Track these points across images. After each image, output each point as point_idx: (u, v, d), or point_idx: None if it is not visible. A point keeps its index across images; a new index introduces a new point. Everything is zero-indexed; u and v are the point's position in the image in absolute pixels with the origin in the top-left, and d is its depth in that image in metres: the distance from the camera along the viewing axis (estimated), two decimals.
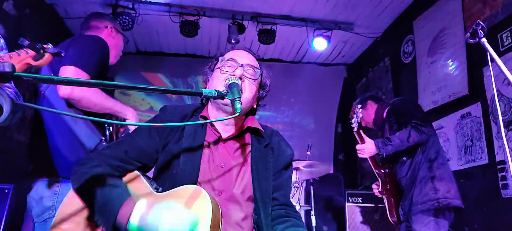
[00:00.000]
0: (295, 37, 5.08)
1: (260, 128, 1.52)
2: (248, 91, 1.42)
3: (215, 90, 1.22)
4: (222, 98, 1.25)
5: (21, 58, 1.28)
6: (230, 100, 1.25)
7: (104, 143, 1.98)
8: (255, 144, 1.48)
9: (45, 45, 1.33)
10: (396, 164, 2.94)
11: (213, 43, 5.29)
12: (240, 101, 1.24)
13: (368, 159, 2.93)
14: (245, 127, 1.49)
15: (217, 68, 1.47)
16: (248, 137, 1.50)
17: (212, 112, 1.48)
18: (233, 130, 1.47)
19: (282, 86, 5.63)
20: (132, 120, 2.09)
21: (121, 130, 2.17)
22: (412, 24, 4.33)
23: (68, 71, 1.87)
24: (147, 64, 5.69)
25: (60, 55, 1.42)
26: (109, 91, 2.15)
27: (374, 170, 3.01)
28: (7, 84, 1.71)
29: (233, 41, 4.49)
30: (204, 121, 1.40)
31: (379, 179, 2.98)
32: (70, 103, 1.95)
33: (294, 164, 3.33)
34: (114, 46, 2.39)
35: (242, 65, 1.44)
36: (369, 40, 5.16)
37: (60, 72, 1.93)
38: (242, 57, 1.49)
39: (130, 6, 4.32)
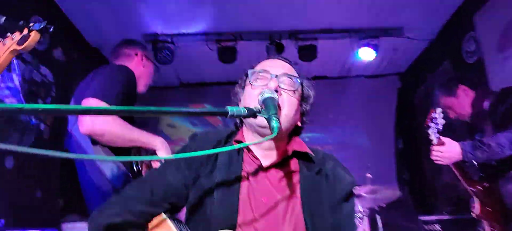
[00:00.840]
0: (339, 50, 4.78)
1: (309, 151, 1.26)
2: (288, 106, 1.19)
3: (245, 107, 1.00)
4: (254, 116, 1.03)
5: (6, 47, 1.09)
6: (265, 118, 1.03)
7: (131, 180, 1.86)
8: (304, 171, 1.23)
9: (30, 22, 1.09)
10: (501, 178, 2.26)
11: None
12: (277, 118, 1.01)
13: (455, 170, 2.27)
14: (290, 151, 1.24)
15: (248, 84, 1.26)
16: (294, 163, 1.25)
17: (248, 136, 1.26)
18: (275, 155, 1.23)
19: (329, 104, 5.30)
20: (162, 150, 1.94)
21: (152, 163, 2.03)
22: (472, 20, 3.83)
23: (89, 104, 1.79)
24: (192, 96, 5.69)
25: (48, 31, 1.17)
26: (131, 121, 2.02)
27: (465, 186, 2.34)
28: None
29: None
30: (236, 146, 1.14)
31: (475, 198, 2.32)
32: (94, 140, 1.86)
33: (356, 190, 2.90)
34: (144, 75, 2.31)
35: (276, 76, 1.21)
36: (423, 43, 4.69)
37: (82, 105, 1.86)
38: (276, 66, 1.27)
39: (169, 39, 4.36)
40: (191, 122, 5.62)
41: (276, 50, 4.36)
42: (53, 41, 3.78)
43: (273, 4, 3.87)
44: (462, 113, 2.54)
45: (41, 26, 1.08)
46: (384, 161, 5.18)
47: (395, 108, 5.43)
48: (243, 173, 1.20)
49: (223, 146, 1.28)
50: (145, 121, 5.24)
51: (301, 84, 1.29)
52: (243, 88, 1.32)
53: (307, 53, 4.41)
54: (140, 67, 2.27)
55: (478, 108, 2.40)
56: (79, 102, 1.85)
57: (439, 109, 2.26)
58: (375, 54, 4.38)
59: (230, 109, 0.97)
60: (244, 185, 1.18)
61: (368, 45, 4.36)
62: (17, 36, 1.06)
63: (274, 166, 1.22)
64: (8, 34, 1.08)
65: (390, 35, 4.38)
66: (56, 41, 3.85)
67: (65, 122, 2.07)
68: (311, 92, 1.35)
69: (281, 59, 1.34)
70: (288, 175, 1.22)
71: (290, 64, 1.34)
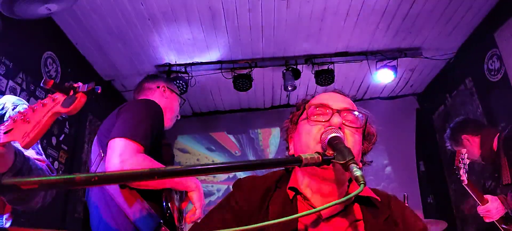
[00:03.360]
0: (355, 73, 4.67)
1: (374, 194, 1.10)
2: (352, 145, 1.04)
3: (317, 152, 0.87)
4: (328, 163, 0.89)
5: (47, 109, 0.97)
6: (341, 164, 0.88)
7: (163, 227, 1.70)
8: (370, 219, 1.05)
9: (75, 84, 0.97)
10: None
11: (267, 93, 5.04)
12: (357, 164, 0.86)
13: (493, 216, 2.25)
14: (353, 196, 1.09)
15: (303, 119, 1.12)
16: (357, 210, 1.08)
17: (303, 180, 1.10)
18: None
19: None
20: (196, 192, 1.77)
21: (184, 205, 1.88)
22: (493, 37, 3.73)
23: (117, 144, 1.64)
24: (204, 125, 5.56)
25: (95, 92, 1.05)
26: (160, 158, 1.88)
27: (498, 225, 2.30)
28: (37, 156, 1.48)
29: (289, 88, 4.20)
30: (310, 211, 0.88)
31: None
32: (122, 184, 1.72)
33: None
34: (168, 108, 2.18)
35: (339, 111, 1.06)
36: (441, 63, 4.58)
37: (109, 147, 1.71)
38: (337, 100, 1.13)
39: (183, 69, 4.27)
40: (207, 147, 5.46)
41: (293, 76, 4.25)
42: (65, 77, 3.71)
43: (288, 29, 3.80)
44: (474, 158, 2.57)
45: (88, 88, 0.96)
46: (406, 185, 4.97)
47: (415, 130, 5.26)
48: (300, 226, 1.04)
49: (273, 193, 1.13)
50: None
51: (366, 120, 1.14)
52: (295, 123, 1.18)
53: (324, 78, 4.30)
54: (163, 99, 2.15)
55: (487, 150, 2.44)
56: (105, 143, 1.71)
57: (464, 150, 2.32)
58: (394, 76, 4.26)
59: (304, 157, 0.83)
60: None
61: (386, 66, 4.26)
62: (60, 97, 0.94)
63: (335, 215, 1.06)
64: (49, 95, 0.97)
65: (408, 56, 4.28)
66: (68, 76, 3.78)
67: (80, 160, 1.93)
68: (374, 130, 1.22)
69: (340, 93, 1.21)
70: (353, 225, 1.05)
71: (350, 99, 1.21)
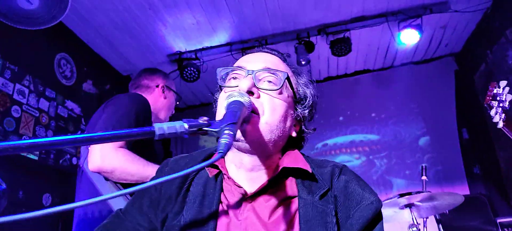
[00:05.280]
0: (377, 38, 4.30)
1: (307, 166, 0.93)
2: (269, 110, 0.89)
3: (188, 121, 0.73)
4: (204, 133, 0.76)
5: None
6: (215, 133, 0.74)
7: None
8: (304, 195, 0.89)
9: None
10: None
11: None
12: (232, 131, 0.72)
13: None
14: (279, 168, 0.92)
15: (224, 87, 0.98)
16: (292, 186, 0.92)
17: (228, 155, 0.96)
18: (264, 177, 0.93)
19: (375, 99, 4.80)
20: None
21: None
22: None
23: None
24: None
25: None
26: (151, 155, 1.86)
27: None
28: None
29: (303, 62, 3.97)
30: (192, 168, 0.67)
31: None
32: (106, 177, 1.72)
33: (407, 199, 2.38)
34: (165, 107, 2.15)
35: (252, 72, 0.91)
36: (476, 15, 4.04)
37: None
38: (254, 60, 0.98)
39: (193, 56, 4.23)
40: None
41: (306, 50, 4.02)
42: (81, 76, 3.83)
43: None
44: None
45: None
46: (448, 156, 4.52)
47: (454, 94, 4.73)
48: (221, 207, 0.90)
49: (196, 174, 0.99)
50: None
51: (288, 81, 0.96)
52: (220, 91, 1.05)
53: (341, 48, 4.00)
54: (161, 99, 2.12)
55: None
56: None
57: (503, 83, 1.82)
58: (420, 35, 3.84)
59: (158, 127, 0.70)
60: (222, 222, 0.88)
61: (410, 26, 3.85)
62: None
63: (262, 192, 0.90)
64: None
65: (434, 12, 3.82)
66: (85, 75, 3.91)
67: None
68: (309, 91, 1.03)
69: (266, 51, 1.04)
70: (283, 203, 0.90)
71: (279, 57, 1.04)
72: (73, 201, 1.94)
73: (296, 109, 0.99)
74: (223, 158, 0.69)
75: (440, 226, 2.64)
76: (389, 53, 4.68)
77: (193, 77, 4.15)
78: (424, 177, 2.66)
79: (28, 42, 3.06)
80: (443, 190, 4.09)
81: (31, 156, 2.96)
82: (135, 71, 4.53)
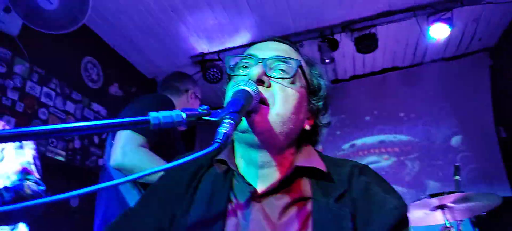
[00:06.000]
0: (405, 34, 4.13)
1: (322, 165, 0.86)
2: (281, 100, 0.83)
3: (184, 110, 0.69)
4: (202, 122, 0.71)
5: None
6: (215, 121, 0.69)
7: None
8: (319, 197, 0.82)
9: None
10: None
11: None
12: (233, 119, 0.67)
13: None
14: (293, 167, 0.85)
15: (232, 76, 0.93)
16: (306, 186, 0.85)
17: (238, 150, 0.91)
18: (275, 174, 0.86)
19: (403, 98, 4.62)
20: None
21: None
22: None
23: (121, 136, 1.69)
24: None
25: None
26: (168, 150, 1.86)
27: None
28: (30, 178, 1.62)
29: (327, 61, 3.88)
30: (189, 157, 0.62)
31: None
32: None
33: (439, 200, 2.25)
34: None
35: (263, 60, 0.86)
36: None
37: (115, 138, 1.77)
38: (265, 48, 0.92)
39: (216, 57, 4.23)
40: None
41: (330, 47, 3.92)
42: (108, 79, 3.91)
43: None
44: None
45: None
46: (483, 155, 4.26)
47: (490, 90, 4.47)
48: (230, 206, 0.85)
49: (207, 170, 0.94)
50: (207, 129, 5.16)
51: (302, 70, 0.90)
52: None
53: (366, 44, 3.87)
54: (187, 105, 2.16)
55: None
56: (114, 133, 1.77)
57: None
58: (450, 29, 3.65)
59: (153, 116, 0.66)
60: (230, 222, 0.82)
61: (439, 20, 3.67)
62: None
63: (273, 191, 0.84)
64: None
65: (465, 4, 3.63)
66: (111, 78, 3.99)
67: None
68: (323, 82, 0.97)
69: (277, 40, 0.98)
70: (295, 204, 0.83)
71: (290, 46, 0.98)
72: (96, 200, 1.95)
73: (310, 101, 0.93)
74: (221, 148, 0.64)
75: (477, 230, 2.47)
76: (418, 49, 4.49)
77: (216, 78, 4.15)
78: (457, 177, 2.50)
79: (54, 46, 3.15)
80: (480, 191, 3.85)
81: (59, 158, 3.04)
82: (160, 73, 4.59)
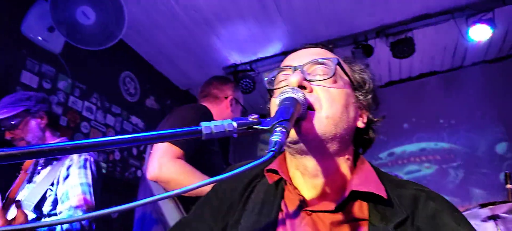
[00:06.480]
0: (443, 37, 3.98)
1: (382, 189, 0.80)
2: (327, 101, 0.81)
3: (234, 119, 0.68)
4: (253, 131, 0.70)
5: None
6: (265, 130, 0.68)
7: None
8: (376, 222, 0.77)
9: None
10: None
11: None
12: (285, 128, 0.65)
13: None
14: (348, 190, 0.80)
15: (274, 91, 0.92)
16: (361, 206, 0.81)
17: (292, 161, 0.89)
18: (329, 187, 0.83)
19: (443, 103, 4.42)
20: None
21: None
22: None
23: (159, 148, 1.71)
24: None
25: None
26: (210, 168, 1.85)
27: None
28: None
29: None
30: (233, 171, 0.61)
31: None
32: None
33: (491, 210, 2.10)
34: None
35: (300, 66, 0.84)
36: None
37: (152, 149, 1.79)
38: (298, 56, 0.91)
39: (248, 68, 4.25)
40: None
41: (365, 53, 3.84)
42: (144, 93, 4.03)
43: (348, 1, 3.42)
44: None
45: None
46: None
47: None
48: (281, 216, 0.83)
49: (260, 180, 0.93)
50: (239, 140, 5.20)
51: (341, 67, 0.87)
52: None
53: (403, 49, 3.76)
54: (227, 111, 2.07)
55: None
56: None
57: None
58: (492, 31, 3.48)
59: (204, 126, 0.65)
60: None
61: (480, 21, 3.51)
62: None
63: (326, 211, 0.80)
64: None
65: (507, 4, 3.44)
66: (148, 91, 4.10)
67: None
68: (366, 75, 0.93)
69: (310, 46, 0.97)
70: (348, 224, 0.78)
71: (324, 48, 0.96)
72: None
73: (357, 97, 0.90)
74: (276, 157, 0.62)
75: None
76: (457, 53, 4.31)
77: (249, 88, 4.16)
78: (509, 185, 2.34)
79: (94, 63, 3.29)
80: None
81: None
82: (193, 85, 4.67)
